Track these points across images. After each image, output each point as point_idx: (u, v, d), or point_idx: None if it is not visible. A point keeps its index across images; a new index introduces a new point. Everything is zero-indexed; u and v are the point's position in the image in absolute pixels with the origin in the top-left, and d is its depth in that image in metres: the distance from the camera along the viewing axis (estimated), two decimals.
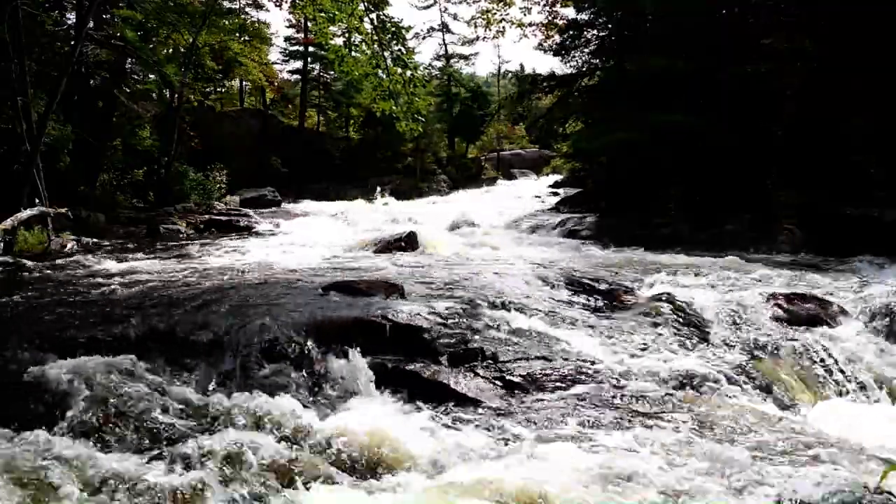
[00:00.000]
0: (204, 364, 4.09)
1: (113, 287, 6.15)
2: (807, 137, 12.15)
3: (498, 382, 4.11)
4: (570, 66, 17.86)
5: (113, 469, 2.76)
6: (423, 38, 39.65)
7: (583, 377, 4.19)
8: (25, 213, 10.04)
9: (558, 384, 4.08)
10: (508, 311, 5.46)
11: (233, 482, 2.75)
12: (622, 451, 3.08)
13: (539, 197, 22.96)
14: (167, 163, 18.07)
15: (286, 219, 17.88)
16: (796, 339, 5.27)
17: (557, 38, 17.75)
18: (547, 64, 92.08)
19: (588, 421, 3.52)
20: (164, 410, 3.45)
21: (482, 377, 4.17)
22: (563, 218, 15.18)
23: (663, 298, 6.10)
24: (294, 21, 33.65)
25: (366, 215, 17.83)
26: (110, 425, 3.27)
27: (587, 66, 17.71)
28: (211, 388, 3.85)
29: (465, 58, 41.10)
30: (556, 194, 22.30)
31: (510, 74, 39.33)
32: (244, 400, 3.59)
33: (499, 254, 10.33)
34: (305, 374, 4.09)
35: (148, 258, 9.27)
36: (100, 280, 6.75)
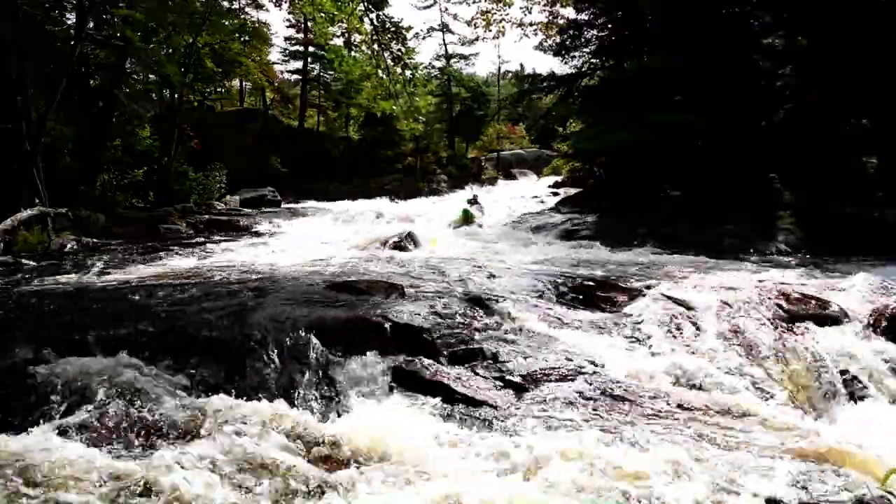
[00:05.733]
0: (204, 364, 4.08)
1: (113, 287, 6.15)
2: (807, 137, 12.16)
3: (499, 382, 4.11)
4: (570, 66, 17.92)
5: (114, 469, 2.76)
6: (423, 38, 39.72)
7: (583, 377, 4.19)
8: (25, 214, 10.05)
9: (559, 384, 4.08)
10: (508, 310, 5.45)
11: (236, 484, 2.75)
12: (623, 452, 3.07)
13: (539, 197, 22.91)
14: (167, 163, 18.06)
15: (286, 219, 17.89)
16: (796, 339, 5.27)
17: (557, 38, 17.78)
18: (547, 64, 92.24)
19: (589, 421, 3.53)
20: (165, 411, 3.45)
21: (483, 377, 4.17)
22: (562, 218, 15.15)
23: (663, 298, 6.10)
24: (294, 21, 33.66)
25: (365, 215, 17.83)
26: (110, 426, 3.27)
27: (587, 66, 17.74)
28: (211, 388, 3.84)
29: (465, 58, 41.16)
30: (556, 194, 22.29)
31: (510, 74, 39.41)
32: (245, 401, 3.59)
33: (498, 253, 10.32)
34: (305, 375, 4.08)
35: (148, 258, 9.27)
36: (99, 280, 6.75)
